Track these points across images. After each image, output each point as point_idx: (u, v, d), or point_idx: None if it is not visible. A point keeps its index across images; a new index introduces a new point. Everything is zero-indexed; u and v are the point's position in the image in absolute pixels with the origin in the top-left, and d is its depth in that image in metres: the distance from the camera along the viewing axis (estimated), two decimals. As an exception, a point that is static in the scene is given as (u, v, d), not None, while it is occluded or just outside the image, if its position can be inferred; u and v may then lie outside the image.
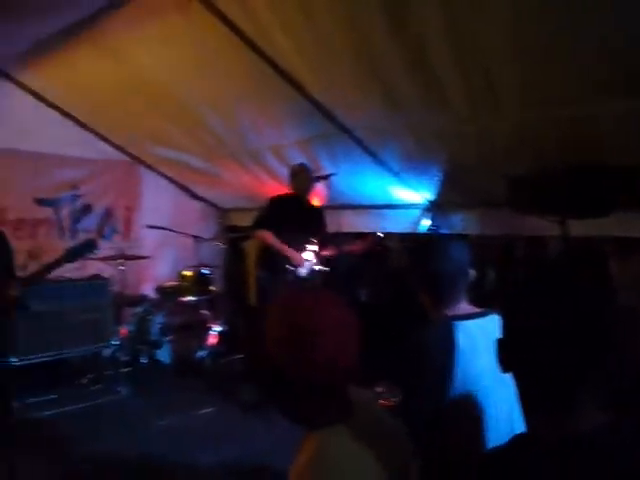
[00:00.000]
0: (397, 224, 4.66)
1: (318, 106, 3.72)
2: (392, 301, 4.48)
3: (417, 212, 4.54)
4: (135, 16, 3.36)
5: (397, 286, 4.63)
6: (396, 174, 4.25)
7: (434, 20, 2.52)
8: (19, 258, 3.88)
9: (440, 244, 1.76)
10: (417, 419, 1.47)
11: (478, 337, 1.56)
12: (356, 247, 4.06)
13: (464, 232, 4.27)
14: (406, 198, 4.53)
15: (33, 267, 3.54)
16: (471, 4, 2.37)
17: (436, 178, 4.07)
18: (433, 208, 4.42)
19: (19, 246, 4.89)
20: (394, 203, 4.66)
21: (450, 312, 1.65)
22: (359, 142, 3.98)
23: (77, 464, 3.31)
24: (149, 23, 3.41)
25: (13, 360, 4.05)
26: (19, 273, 3.11)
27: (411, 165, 4.05)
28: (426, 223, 4.43)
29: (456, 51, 2.66)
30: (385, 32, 2.73)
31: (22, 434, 2.77)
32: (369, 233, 4.10)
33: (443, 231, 4.28)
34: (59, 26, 3.42)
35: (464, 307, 1.68)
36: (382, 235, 4.04)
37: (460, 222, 4.28)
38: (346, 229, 4.28)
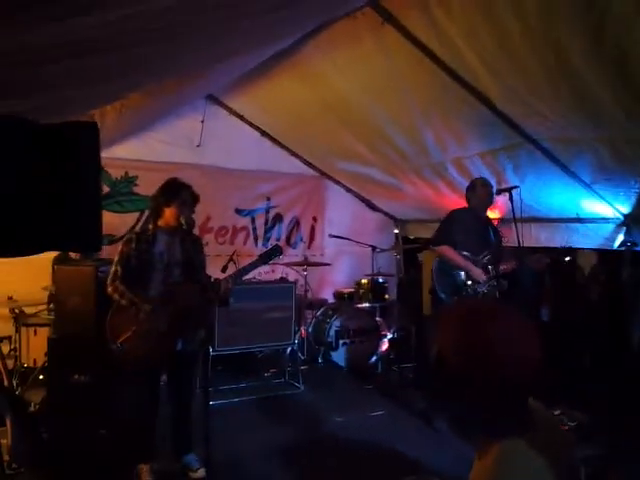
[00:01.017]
0: (587, 239, 4.37)
1: (503, 117, 3.69)
2: (579, 321, 4.18)
3: (611, 227, 4.22)
4: (329, 42, 3.66)
5: (586, 305, 4.31)
6: (588, 186, 4.01)
7: (634, 25, 2.38)
8: (221, 261, 4.40)
9: None
10: None
11: None
12: (535, 264, 3.83)
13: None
14: (598, 211, 4.24)
15: (232, 269, 3.95)
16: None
17: (634, 190, 3.77)
18: (630, 222, 4.07)
19: (221, 250, 5.59)
20: (584, 216, 4.38)
21: None
22: (547, 153, 3.85)
23: (261, 446, 3.66)
24: (342, 47, 3.69)
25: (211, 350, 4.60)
26: (220, 275, 3.47)
27: (605, 176, 3.80)
28: (621, 239, 4.08)
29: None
30: (579, 38, 2.64)
31: (214, 417, 3.16)
32: (554, 248, 3.84)
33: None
34: (266, 56, 3.84)
35: None
36: (570, 246, 3.76)
37: (660, 238, 3.89)
38: (530, 243, 4.10)
